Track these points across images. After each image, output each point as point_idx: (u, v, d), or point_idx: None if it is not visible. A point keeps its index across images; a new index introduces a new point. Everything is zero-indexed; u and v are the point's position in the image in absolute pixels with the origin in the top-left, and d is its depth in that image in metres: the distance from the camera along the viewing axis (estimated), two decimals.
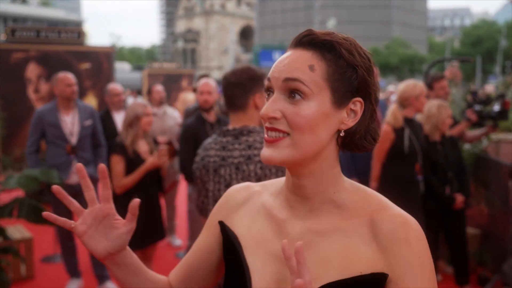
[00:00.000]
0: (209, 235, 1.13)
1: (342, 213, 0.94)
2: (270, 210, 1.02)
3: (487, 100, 4.86)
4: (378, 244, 0.90)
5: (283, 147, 0.90)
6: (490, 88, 9.69)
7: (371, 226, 0.91)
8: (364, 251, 0.90)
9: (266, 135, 0.92)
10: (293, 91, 0.89)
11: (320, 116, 0.89)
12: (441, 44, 57.71)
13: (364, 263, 0.89)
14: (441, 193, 3.91)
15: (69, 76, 4.25)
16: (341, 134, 0.93)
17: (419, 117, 4.07)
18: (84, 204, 3.69)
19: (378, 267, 0.89)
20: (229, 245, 1.04)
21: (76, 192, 4.21)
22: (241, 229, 1.04)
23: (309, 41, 0.91)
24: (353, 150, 0.96)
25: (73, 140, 4.25)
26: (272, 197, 1.04)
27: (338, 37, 0.92)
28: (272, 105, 0.90)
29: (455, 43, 54.87)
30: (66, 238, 4.38)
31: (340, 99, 0.90)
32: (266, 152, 0.91)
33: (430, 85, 4.76)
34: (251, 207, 1.06)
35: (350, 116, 0.92)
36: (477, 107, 4.71)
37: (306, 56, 0.90)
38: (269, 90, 0.94)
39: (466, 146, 4.96)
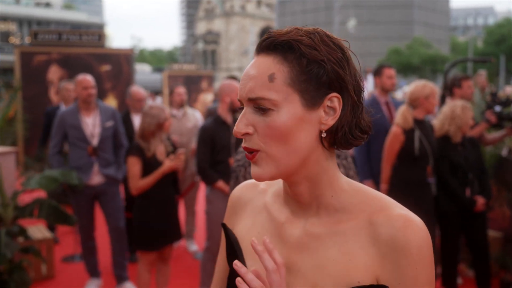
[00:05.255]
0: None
1: (341, 217, 0.91)
2: (271, 212, 1.00)
3: (507, 101, 4.76)
4: (377, 249, 0.86)
5: (263, 163, 0.88)
6: (510, 89, 9.51)
7: (370, 228, 0.88)
8: (362, 257, 0.87)
9: (246, 153, 0.90)
10: (259, 105, 0.86)
11: (293, 123, 0.85)
12: (464, 43, 56.87)
13: (362, 270, 0.86)
14: (461, 196, 3.84)
15: (88, 79, 4.28)
16: (322, 135, 0.88)
17: (440, 118, 3.98)
18: (106, 202, 3.73)
19: (376, 273, 0.86)
20: (231, 248, 1.04)
21: (97, 192, 4.31)
22: (242, 231, 1.04)
23: (268, 45, 0.88)
24: (340, 148, 0.92)
25: (94, 141, 4.28)
26: (274, 197, 1.02)
27: (298, 33, 0.87)
28: (242, 121, 0.88)
29: (478, 43, 54.02)
30: (87, 238, 4.42)
31: (312, 100, 0.86)
32: (253, 170, 0.90)
33: (459, 84, 4.70)
34: (253, 208, 1.05)
35: (329, 114, 0.87)
36: (497, 108, 4.62)
37: (266, 64, 0.87)
38: (241, 104, 0.91)
39: (489, 148, 4.87)
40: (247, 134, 0.88)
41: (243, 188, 1.10)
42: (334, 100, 0.87)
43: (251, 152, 0.89)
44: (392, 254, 0.85)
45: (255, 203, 1.06)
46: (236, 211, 1.09)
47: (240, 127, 0.88)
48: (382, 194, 0.94)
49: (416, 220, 0.87)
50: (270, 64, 0.87)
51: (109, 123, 4.35)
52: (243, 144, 0.90)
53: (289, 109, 0.85)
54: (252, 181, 1.11)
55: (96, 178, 4.30)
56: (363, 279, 0.86)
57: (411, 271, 0.84)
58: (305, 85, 0.86)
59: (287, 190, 0.96)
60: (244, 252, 1.00)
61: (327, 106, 0.87)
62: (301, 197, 0.94)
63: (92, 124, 4.29)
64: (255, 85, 0.86)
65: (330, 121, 0.87)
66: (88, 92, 4.23)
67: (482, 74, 6.91)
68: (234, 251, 1.02)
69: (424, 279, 0.85)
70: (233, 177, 2.37)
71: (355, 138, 0.90)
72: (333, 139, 0.89)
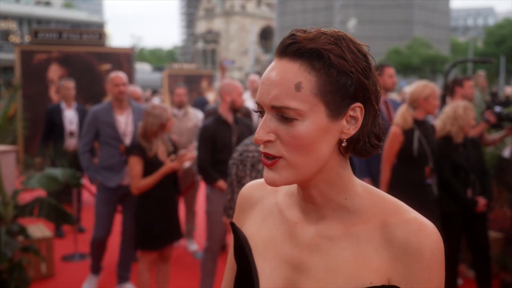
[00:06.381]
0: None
1: (355, 219, 0.91)
2: (283, 211, 0.99)
3: (507, 102, 4.76)
4: (390, 252, 0.87)
5: (282, 169, 0.86)
6: (510, 89, 9.52)
7: (384, 231, 0.88)
8: (375, 259, 0.87)
9: (263, 158, 0.88)
10: (284, 113, 0.84)
11: (317, 133, 0.84)
12: (464, 44, 56.85)
13: (374, 272, 0.86)
14: (463, 196, 3.84)
15: (120, 76, 4.23)
16: (343, 144, 0.87)
17: (442, 118, 3.96)
18: (130, 204, 3.65)
19: (388, 275, 0.86)
20: (239, 247, 1.02)
21: (126, 193, 4.24)
22: (252, 230, 1.02)
23: (295, 51, 0.84)
24: (357, 156, 0.91)
25: (127, 140, 4.23)
26: (286, 197, 1.01)
27: (326, 40, 0.84)
28: (264, 128, 0.86)
29: (478, 43, 54.01)
30: (103, 237, 4.32)
31: (337, 110, 0.85)
32: (268, 175, 0.88)
33: (460, 83, 4.72)
34: (264, 207, 1.04)
35: (350, 124, 0.87)
36: (497, 109, 4.61)
37: (292, 71, 0.84)
38: (260, 109, 0.88)
39: (489, 149, 4.86)
40: (268, 141, 0.86)
41: (253, 187, 1.09)
42: (357, 110, 0.86)
43: (272, 158, 0.87)
44: (405, 257, 0.85)
45: (265, 202, 1.04)
46: (245, 210, 1.08)
47: (261, 134, 0.86)
48: (395, 198, 0.93)
49: (429, 224, 0.88)
50: (296, 71, 0.84)
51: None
52: (263, 150, 0.88)
53: (314, 120, 0.84)
54: (262, 180, 1.08)
55: (128, 178, 4.18)
56: (375, 280, 0.86)
57: (423, 275, 0.85)
58: (331, 96, 0.84)
59: (300, 191, 0.96)
60: (254, 251, 0.99)
61: (350, 115, 0.86)
62: (314, 199, 0.93)
63: (124, 123, 4.24)
64: (280, 93, 0.84)
65: (352, 130, 0.87)
66: (120, 89, 4.19)
67: (481, 74, 6.90)
68: (243, 250, 1.00)
69: (435, 283, 0.86)
70: (228, 175, 2.41)
71: (373, 147, 0.90)
72: (352, 148, 0.89)
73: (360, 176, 4.33)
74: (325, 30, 0.88)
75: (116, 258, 4.48)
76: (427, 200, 3.71)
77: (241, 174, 2.30)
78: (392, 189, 3.77)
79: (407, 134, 3.68)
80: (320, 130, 0.84)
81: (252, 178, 2.25)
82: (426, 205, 3.66)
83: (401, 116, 3.74)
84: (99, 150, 4.38)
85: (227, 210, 2.45)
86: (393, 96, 11.22)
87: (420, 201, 3.59)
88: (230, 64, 21.25)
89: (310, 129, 0.83)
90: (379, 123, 0.91)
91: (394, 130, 3.72)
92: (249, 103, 6.24)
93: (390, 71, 4.64)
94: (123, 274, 4.39)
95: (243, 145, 2.37)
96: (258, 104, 0.88)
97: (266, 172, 0.88)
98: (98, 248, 4.35)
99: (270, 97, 0.85)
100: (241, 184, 2.32)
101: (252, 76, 7.52)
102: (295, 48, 0.84)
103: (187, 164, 4.84)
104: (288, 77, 0.84)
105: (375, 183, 4.22)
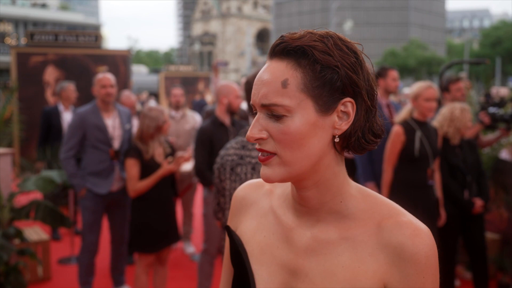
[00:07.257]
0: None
1: (350, 223, 0.91)
2: (278, 215, 0.99)
3: (501, 103, 4.75)
4: (386, 256, 0.87)
5: (275, 166, 0.88)
6: (504, 90, 9.56)
7: (379, 235, 0.88)
8: (371, 264, 0.87)
9: (259, 155, 0.90)
10: (273, 111, 0.86)
11: (307, 128, 0.85)
12: (460, 45, 57.08)
13: (370, 277, 0.87)
14: (460, 198, 3.84)
15: (107, 77, 4.06)
16: (335, 140, 0.88)
17: (439, 119, 3.95)
18: (119, 211, 3.57)
19: (384, 279, 0.87)
20: (235, 251, 1.02)
21: (118, 198, 4.16)
22: (247, 234, 1.02)
23: (281, 50, 0.87)
24: (353, 152, 0.92)
25: (116, 144, 4.07)
26: (280, 200, 1.01)
27: (311, 39, 0.86)
28: (256, 126, 0.88)
29: (474, 45, 54.23)
30: (96, 243, 4.12)
31: (326, 105, 0.86)
32: (264, 171, 0.90)
33: (446, 87, 4.67)
34: (259, 210, 1.04)
35: (342, 119, 0.87)
36: (492, 110, 4.60)
37: (279, 70, 0.86)
38: (254, 109, 0.91)
39: (486, 150, 4.87)
40: (261, 139, 0.88)
41: (247, 188, 1.09)
42: (348, 105, 0.87)
43: (266, 154, 0.88)
44: (400, 262, 0.86)
45: (260, 204, 1.04)
46: (239, 212, 1.08)
47: (253, 132, 0.88)
48: (390, 201, 0.94)
49: (424, 228, 0.88)
50: (284, 69, 0.86)
51: (128, 126, 4.18)
52: (258, 147, 0.89)
53: (303, 115, 0.85)
54: (257, 181, 1.09)
55: (116, 184, 4.09)
56: (372, 285, 0.86)
57: (418, 279, 0.86)
58: (318, 91, 0.85)
59: (295, 195, 0.96)
60: (250, 255, 0.99)
61: (341, 111, 0.87)
62: (309, 202, 0.93)
63: (112, 126, 4.07)
64: (268, 91, 0.86)
65: (344, 126, 0.87)
66: (107, 91, 4.01)
67: (463, 76, 6.89)
68: (239, 254, 1.00)
69: (430, 287, 0.87)
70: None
71: (368, 142, 0.90)
72: (346, 144, 0.90)
73: (364, 180, 4.31)
74: (316, 30, 0.89)
75: (109, 262, 4.45)
76: (428, 201, 3.70)
77: (221, 177, 2.33)
78: (394, 190, 3.75)
79: (409, 134, 3.66)
80: (310, 125, 0.85)
81: (231, 181, 2.29)
82: (427, 206, 3.66)
83: (402, 116, 3.73)
84: (83, 155, 4.13)
85: (216, 214, 2.49)
86: (390, 97, 11.20)
87: (421, 202, 3.59)
88: (222, 65, 21.28)
89: (299, 124, 0.85)
90: (377, 120, 0.91)
91: (396, 129, 3.68)
92: (245, 105, 6.23)
93: (394, 74, 4.59)
94: (117, 278, 4.36)
95: (224, 148, 2.39)
96: (252, 105, 0.90)
97: (262, 168, 0.90)
98: (90, 257, 4.12)
99: (259, 96, 0.87)
100: (222, 187, 2.36)
101: (245, 79, 7.50)
102: (282, 47, 0.87)
103: (188, 167, 4.84)
104: (276, 75, 0.86)
105: (380, 187, 4.19)
